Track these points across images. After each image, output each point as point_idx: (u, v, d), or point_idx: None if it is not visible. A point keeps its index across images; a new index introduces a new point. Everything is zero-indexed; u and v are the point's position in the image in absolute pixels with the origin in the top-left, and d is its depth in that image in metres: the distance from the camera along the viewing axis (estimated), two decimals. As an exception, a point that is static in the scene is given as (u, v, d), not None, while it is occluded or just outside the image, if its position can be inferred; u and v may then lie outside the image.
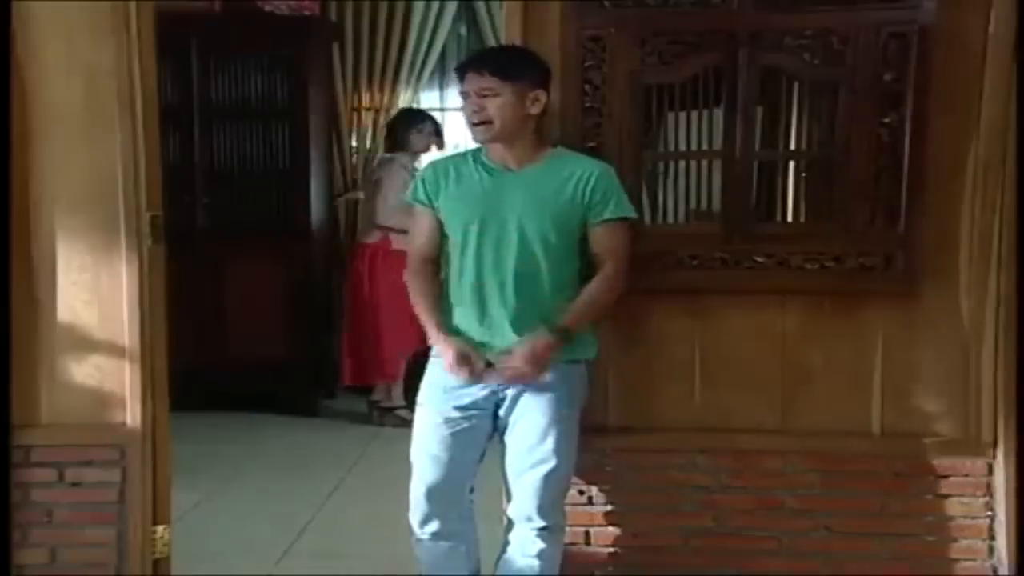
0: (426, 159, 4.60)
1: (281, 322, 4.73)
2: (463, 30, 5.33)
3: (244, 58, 4.75)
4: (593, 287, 2.36)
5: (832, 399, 2.60)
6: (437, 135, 4.68)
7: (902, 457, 2.57)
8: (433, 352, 2.46)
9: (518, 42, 2.51)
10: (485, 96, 2.29)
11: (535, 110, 2.33)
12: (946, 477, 2.56)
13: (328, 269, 5.03)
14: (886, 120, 2.47)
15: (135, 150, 2.59)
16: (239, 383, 4.67)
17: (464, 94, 2.33)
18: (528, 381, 2.32)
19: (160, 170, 2.68)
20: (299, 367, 4.74)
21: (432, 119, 4.75)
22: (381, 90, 5.22)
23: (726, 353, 2.61)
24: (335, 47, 5.15)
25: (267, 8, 4.82)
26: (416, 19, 5.14)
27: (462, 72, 2.35)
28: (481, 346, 2.36)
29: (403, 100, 5.22)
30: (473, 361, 2.32)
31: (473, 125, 2.33)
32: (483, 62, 2.34)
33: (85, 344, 2.64)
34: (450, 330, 2.39)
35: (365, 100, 5.24)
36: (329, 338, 4.90)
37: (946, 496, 2.56)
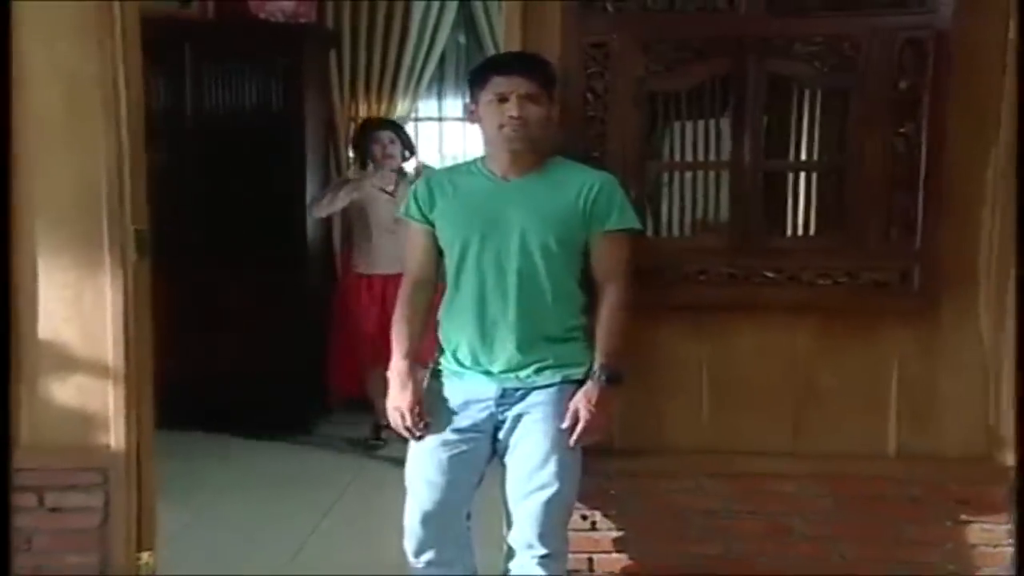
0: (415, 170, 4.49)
1: (275, 337, 4.63)
2: (462, 38, 5.26)
3: (238, 66, 4.66)
4: (610, 318, 2.30)
5: (846, 420, 2.54)
6: (403, 144, 4.44)
7: (919, 481, 2.50)
8: (431, 373, 2.39)
9: (517, 48, 2.45)
10: (529, 102, 2.23)
11: (551, 120, 2.30)
12: (966, 503, 2.48)
13: (322, 283, 4.93)
14: (901, 130, 2.41)
15: (120, 160, 2.53)
16: (231, 400, 4.55)
17: (502, 96, 2.24)
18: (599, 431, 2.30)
19: (146, 182, 2.61)
20: (292, 383, 4.63)
21: (393, 128, 4.52)
22: (379, 99, 5.13)
23: (735, 372, 2.55)
24: (332, 55, 5.07)
25: (262, 15, 4.73)
26: (414, 27, 5.06)
27: (504, 72, 2.25)
28: (478, 365, 2.31)
29: (401, 109, 5.14)
30: (416, 418, 2.31)
31: (510, 130, 2.24)
32: (530, 67, 2.28)
33: (67, 363, 2.57)
34: (450, 351, 2.35)
35: (363, 109, 5.15)
36: (323, 352, 4.79)
37: (966, 523, 2.49)
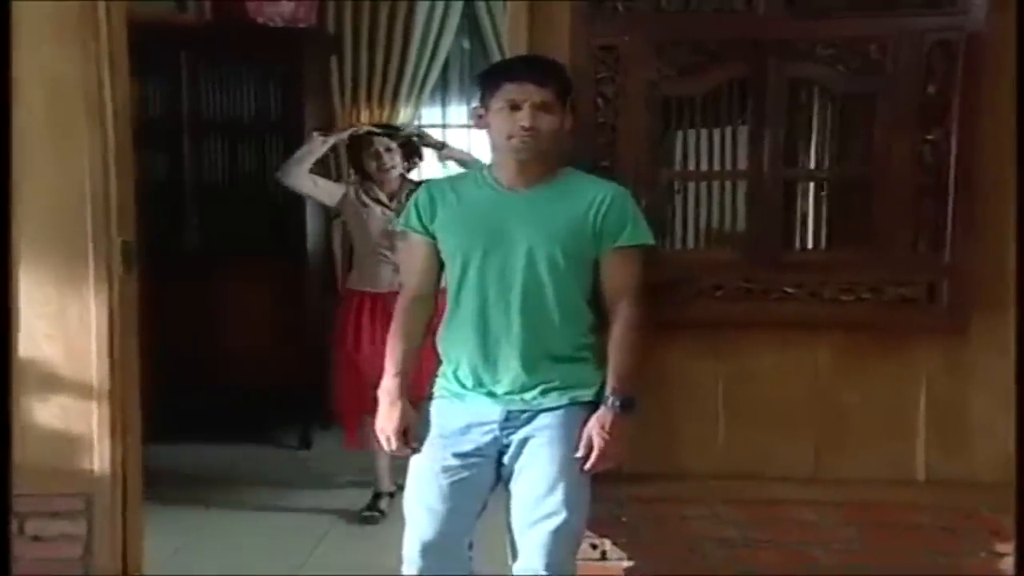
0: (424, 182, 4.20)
1: (274, 347, 4.54)
2: (466, 42, 5.18)
3: (236, 71, 4.58)
4: (622, 339, 2.20)
5: (871, 444, 2.45)
6: (403, 151, 3.86)
7: (950, 509, 2.41)
8: (435, 394, 2.30)
9: (523, 51, 2.36)
10: (543, 111, 2.14)
11: (564, 130, 2.21)
12: (998, 532, 2.37)
13: (323, 292, 4.83)
14: (929, 136, 2.33)
15: (105, 169, 2.46)
16: (228, 411, 4.45)
17: (514, 104, 2.14)
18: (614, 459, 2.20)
19: (133, 191, 2.54)
20: (292, 395, 4.53)
21: (390, 134, 3.94)
22: (381, 106, 5.04)
23: (752, 393, 2.46)
24: (332, 60, 4.99)
25: (260, 19, 4.64)
26: (417, 30, 4.97)
27: (517, 79, 2.15)
28: (480, 385, 2.21)
29: (404, 116, 5.06)
30: (407, 440, 2.24)
31: (518, 140, 2.15)
32: (545, 74, 2.17)
33: (49, 382, 2.50)
34: (450, 370, 2.26)
35: (364, 116, 5.06)
36: (324, 364, 4.69)
37: (1001, 555, 2.38)
